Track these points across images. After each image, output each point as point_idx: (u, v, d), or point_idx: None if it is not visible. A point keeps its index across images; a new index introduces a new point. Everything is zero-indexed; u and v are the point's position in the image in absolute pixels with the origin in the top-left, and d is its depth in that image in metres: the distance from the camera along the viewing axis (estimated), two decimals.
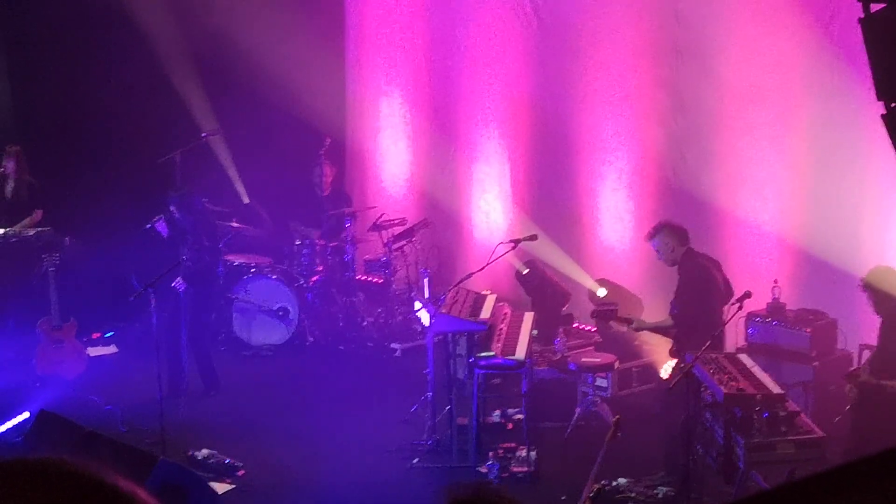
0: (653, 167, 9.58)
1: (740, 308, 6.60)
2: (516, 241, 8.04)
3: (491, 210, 10.89)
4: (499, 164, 10.79)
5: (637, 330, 8.02)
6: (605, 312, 7.75)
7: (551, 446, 7.57)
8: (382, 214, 10.47)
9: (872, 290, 6.82)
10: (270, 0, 11.22)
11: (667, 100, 9.42)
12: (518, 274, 9.25)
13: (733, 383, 6.06)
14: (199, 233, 8.75)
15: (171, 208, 8.65)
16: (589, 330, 9.38)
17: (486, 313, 7.63)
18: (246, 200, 11.30)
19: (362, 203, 11.39)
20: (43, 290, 9.18)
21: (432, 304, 7.61)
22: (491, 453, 7.27)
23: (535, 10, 10.28)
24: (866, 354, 7.32)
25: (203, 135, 10.55)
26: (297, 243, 10.46)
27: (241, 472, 7.24)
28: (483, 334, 7.39)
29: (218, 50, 10.98)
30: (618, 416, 5.99)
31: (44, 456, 1.14)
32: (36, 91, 10.96)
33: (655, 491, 6.76)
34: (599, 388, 8.17)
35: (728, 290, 7.34)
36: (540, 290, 9.14)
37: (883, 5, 3.90)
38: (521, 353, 7.28)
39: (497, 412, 8.10)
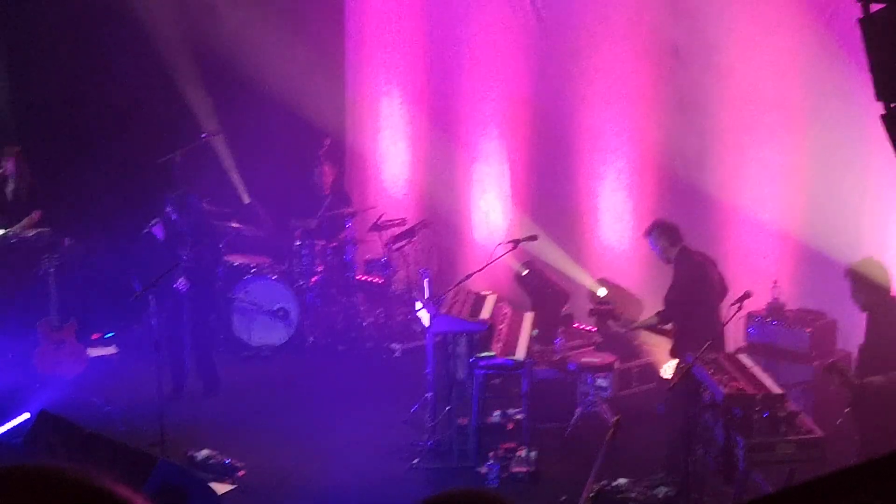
0: (652, 167, 9.58)
1: (740, 308, 6.60)
2: (516, 242, 8.05)
3: (491, 210, 10.89)
4: (498, 164, 10.79)
5: (628, 329, 8.06)
6: (602, 312, 7.77)
7: (551, 446, 7.58)
8: (382, 215, 10.47)
9: (855, 279, 6.81)
10: (270, 0, 11.22)
11: (667, 100, 9.42)
12: (517, 275, 9.25)
13: (733, 383, 6.06)
14: (199, 232, 8.76)
15: (168, 209, 8.66)
16: (589, 330, 9.38)
17: (486, 313, 7.63)
18: (246, 200, 11.30)
19: (362, 203, 11.38)
20: (43, 291, 9.17)
21: (432, 304, 7.61)
22: (491, 453, 7.27)
23: (535, 11, 10.28)
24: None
25: (203, 135, 10.55)
26: (297, 243, 10.46)
27: (241, 473, 7.25)
28: (483, 334, 7.39)
29: (219, 50, 10.98)
30: (618, 417, 5.99)
31: (43, 463, 1.14)
32: (36, 91, 10.95)
33: (655, 491, 6.76)
34: (599, 388, 8.16)
35: (723, 288, 7.36)
36: (539, 290, 9.14)
37: (882, 6, 3.90)
38: (521, 353, 7.29)
39: (497, 412, 8.10)
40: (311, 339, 10.16)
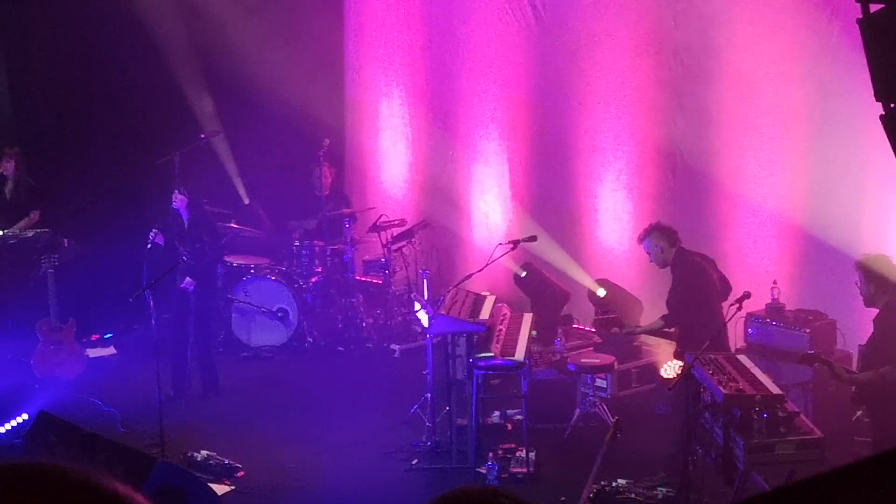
0: (652, 168, 9.58)
1: (739, 308, 6.60)
2: (516, 242, 8.05)
3: (490, 211, 10.89)
4: (498, 164, 10.79)
5: (631, 335, 8.07)
6: (607, 321, 7.77)
7: (551, 447, 7.57)
8: (382, 215, 10.47)
9: (866, 272, 6.79)
10: (270, 1, 11.22)
11: (666, 100, 9.41)
12: (516, 277, 9.24)
13: (732, 384, 6.06)
14: (199, 230, 8.78)
15: (175, 197, 8.65)
16: (588, 331, 9.38)
17: (485, 314, 7.63)
18: (246, 201, 11.31)
19: (362, 204, 11.39)
20: (42, 292, 9.17)
21: (431, 304, 7.60)
22: (490, 454, 7.26)
23: (535, 12, 10.28)
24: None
25: (202, 136, 10.54)
26: (297, 244, 10.46)
27: (240, 474, 7.24)
28: (482, 335, 7.39)
29: (218, 51, 10.99)
30: (617, 418, 5.99)
31: (42, 461, 1.13)
32: (35, 92, 10.96)
33: (655, 492, 6.75)
34: (599, 388, 8.16)
35: (725, 287, 7.35)
36: (539, 291, 9.13)
37: (882, 6, 3.90)
38: (520, 353, 7.28)
39: (496, 413, 8.10)
40: (311, 339, 10.16)
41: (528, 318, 8.04)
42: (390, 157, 11.81)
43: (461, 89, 10.99)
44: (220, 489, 6.81)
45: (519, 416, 7.69)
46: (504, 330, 7.71)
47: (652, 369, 8.49)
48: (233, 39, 11.07)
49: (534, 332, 7.99)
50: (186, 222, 8.74)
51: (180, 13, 10.96)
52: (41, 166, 10.35)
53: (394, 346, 10.07)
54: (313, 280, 10.29)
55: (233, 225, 10.33)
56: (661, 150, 9.50)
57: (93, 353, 9.60)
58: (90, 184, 10.78)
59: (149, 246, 8.70)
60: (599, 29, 9.76)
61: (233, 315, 10.18)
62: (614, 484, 6.76)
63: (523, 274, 9.22)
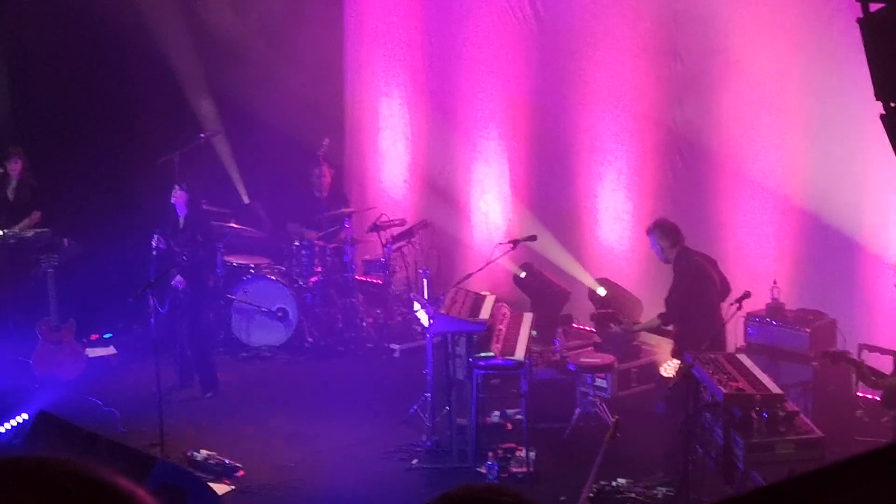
0: (652, 167, 9.58)
1: (739, 308, 6.60)
2: (515, 242, 8.05)
3: (490, 210, 10.89)
4: (498, 164, 10.79)
5: (629, 332, 8.06)
6: (605, 316, 7.77)
7: (551, 447, 7.57)
8: (381, 215, 10.46)
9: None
10: (270, 1, 11.22)
11: (665, 100, 9.41)
12: (515, 278, 9.24)
13: (732, 383, 6.06)
14: (194, 229, 8.81)
15: (175, 193, 8.67)
16: (588, 330, 9.38)
17: (485, 314, 7.63)
18: (246, 201, 11.31)
19: (361, 204, 11.39)
20: (41, 292, 9.17)
21: (431, 304, 7.60)
22: (490, 454, 7.26)
23: (535, 11, 10.27)
24: (865, 354, 7.31)
25: (201, 136, 10.54)
26: (296, 244, 10.45)
27: (240, 473, 7.24)
28: (482, 335, 7.39)
29: (217, 51, 10.99)
30: (617, 417, 5.99)
31: (45, 456, 1.14)
32: (35, 92, 10.96)
33: (655, 491, 6.75)
34: (599, 388, 8.16)
35: (725, 288, 7.35)
36: (538, 291, 9.14)
37: (882, 5, 3.91)
38: (520, 353, 7.28)
39: (496, 413, 8.09)
40: (310, 339, 10.15)
41: (528, 318, 8.05)
42: (390, 156, 11.81)
43: (461, 89, 10.99)
44: (220, 489, 6.81)
45: (519, 416, 7.69)
46: (504, 330, 7.71)
47: (652, 369, 8.48)
48: (233, 39, 11.07)
49: (534, 332, 8.00)
50: (182, 219, 8.78)
51: (180, 13, 10.96)
52: (41, 166, 10.34)
53: (394, 346, 10.07)
54: (313, 280, 10.29)
55: (233, 225, 10.32)
56: (660, 150, 9.50)
57: (93, 352, 9.59)
58: (90, 183, 10.77)
59: (154, 252, 8.73)
60: (599, 29, 9.76)
61: (232, 315, 10.18)
62: (614, 483, 6.77)
63: (523, 274, 9.22)
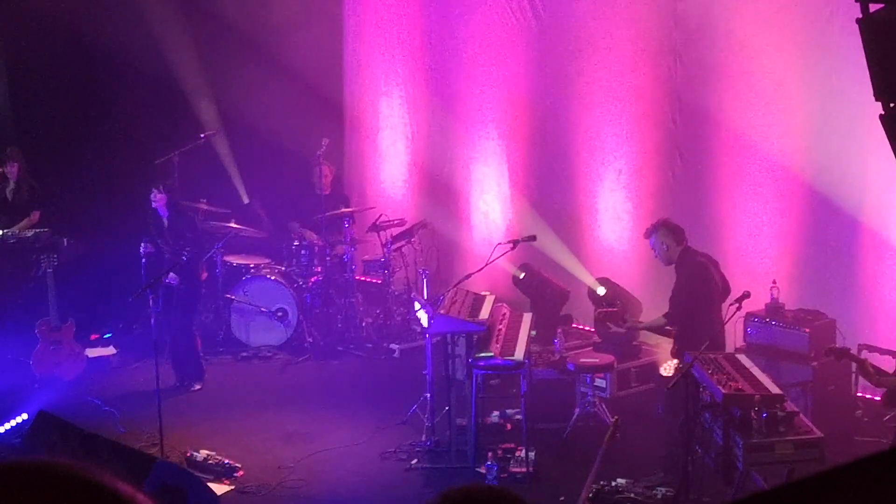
0: (651, 167, 9.58)
1: (739, 308, 6.60)
2: (515, 242, 8.04)
3: (490, 210, 10.89)
4: (497, 164, 10.79)
5: (631, 330, 8.04)
6: (608, 314, 7.76)
7: (550, 447, 7.57)
8: (381, 215, 10.46)
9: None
10: (269, 1, 11.21)
11: (665, 100, 9.42)
12: (515, 279, 9.24)
13: (732, 384, 6.06)
14: (181, 227, 8.85)
15: (154, 196, 8.74)
16: (587, 330, 9.38)
17: (484, 314, 7.63)
18: (246, 201, 11.31)
19: (361, 204, 11.38)
20: (41, 292, 9.17)
21: (431, 304, 7.60)
22: (490, 454, 7.26)
23: (534, 11, 10.27)
24: (865, 354, 7.30)
25: (201, 136, 10.54)
26: (296, 244, 10.45)
27: (240, 473, 7.24)
28: (482, 335, 7.39)
29: (218, 51, 10.99)
30: (616, 417, 5.99)
31: (44, 458, 1.14)
32: (35, 93, 10.95)
33: (654, 491, 6.75)
34: (598, 388, 8.16)
35: (726, 289, 7.35)
36: (538, 291, 9.14)
37: (881, 6, 3.91)
38: (519, 353, 7.28)
39: (496, 413, 8.09)
40: (310, 339, 10.15)
41: (527, 318, 8.05)
42: (390, 156, 11.81)
43: (461, 89, 10.99)
44: (219, 489, 6.81)
45: (518, 416, 7.69)
46: (504, 330, 7.71)
47: (652, 369, 8.48)
48: (233, 39, 11.07)
49: (533, 332, 7.99)
50: (166, 220, 8.83)
51: (180, 13, 10.96)
52: (41, 166, 10.35)
53: (393, 346, 10.07)
54: (313, 280, 10.29)
55: (233, 225, 10.32)
56: (660, 150, 9.50)
57: (93, 353, 9.60)
58: (90, 183, 10.78)
59: (143, 260, 8.80)
60: (599, 29, 9.76)
61: (232, 315, 10.18)
62: (614, 484, 6.76)
63: (521, 275, 9.22)
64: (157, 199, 8.80)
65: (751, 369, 6.39)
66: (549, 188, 10.35)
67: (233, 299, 10.12)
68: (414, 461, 7.44)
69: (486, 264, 7.64)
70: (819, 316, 7.82)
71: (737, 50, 8.81)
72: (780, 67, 8.58)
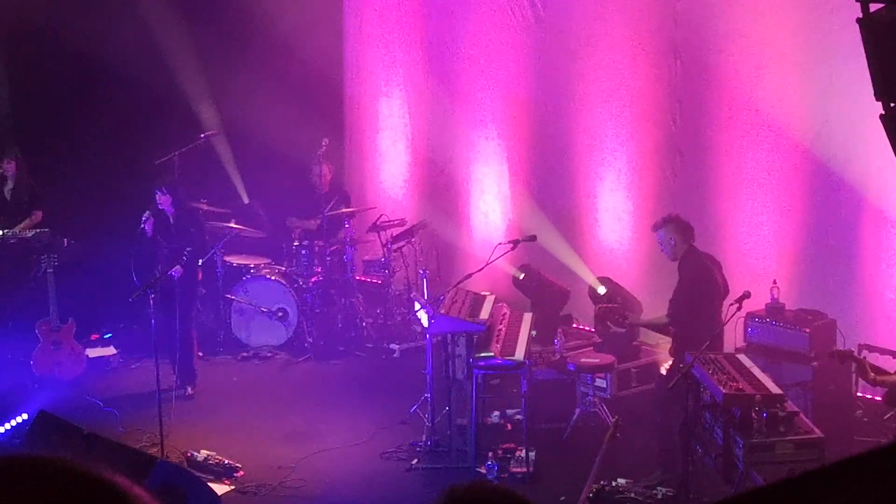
0: (651, 167, 9.58)
1: (739, 308, 6.59)
2: (515, 242, 8.04)
3: (490, 210, 10.89)
4: (497, 164, 10.79)
5: (632, 326, 8.01)
6: (609, 311, 7.74)
7: (550, 447, 7.57)
8: (381, 215, 10.46)
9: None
10: (269, 1, 11.21)
11: (665, 100, 9.42)
12: (515, 280, 9.24)
13: (732, 384, 6.06)
14: (186, 224, 8.81)
15: (157, 196, 8.71)
16: (588, 330, 9.37)
17: (485, 314, 7.63)
18: (246, 201, 11.31)
19: (361, 204, 11.38)
20: (41, 292, 9.17)
21: (431, 304, 7.60)
22: (490, 454, 7.27)
23: (534, 11, 10.27)
24: (865, 354, 7.30)
25: (201, 136, 10.54)
26: (296, 244, 10.45)
27: (240, 474, 7.24)
28: (482, 335, 7.39)
29: (218, 51, 10.99)
30: (617, 417, 6.00)
31: (43, 454, 1.14)
32: (35, 92, 10.96)
33: (654, 491, 6.75)
34: (598, 388, 8.16)
35: (725, 290, 7.34)
36: (538, 291, 9.13)
37: (882, 5, 3.90)
38: (520, 353, 7.28)
39: (496, 413, 8.10)
40: (310, 339, 10.15)
41: (527, 318, 8.05)
42: (390, 157, 11.81)
43: (461, 89, 10.99)
44: (220, 489, 6.80)
45: (519, 416, 7.69)
46: (504, 330, 7.71)
47: (652, 369, 8.48)
48: (233, 40, 11.07)
49: (534, 332, 7.99)
50: (172, 218, 8.79)
51: (180, 13, 10.96)
52: (41, 166, 10.35)
53: (394, 346, 10.07)
54: (313, 280, 10.29)
55: (233, 225, 10.33)
56: (660, 150, 9.50)
57: (93, 353, 9.60)
58: (90, 183, 10.78)
59: (142, 224, 8.65)
60: (599, 28, 9.76)
61: (232, 315, 10.18)
62: (614, 484, 6.76)
63: (521, 276, 9.22)
64: (162, 200, 8.76)
65: (751, 369, 6.39)
66: (550, 188, 10.35)
67: (233, 299, 10.12)
68: (414, 461, 7.44)
69: (487, 264, 7.63)
70: (819, 316, 7.81)
71: (737, 49, 8.81)
72: (780, 67, 8.58)
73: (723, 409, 5.97)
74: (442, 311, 7.45)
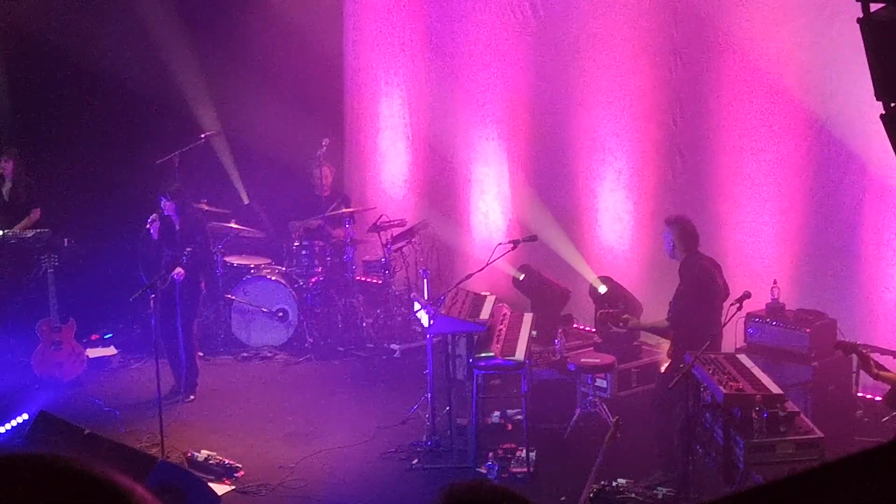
0: (651, 167, 9.58)
1: (739, 308, 6.59)
2: (516, 242, 8.04)
3: (490, 210, 10.89)
4: (497, 164, 10.79)
5: (633, 329, 8.02)
6: (610, 315, 7.74)
7: (551, 447, 7.57)
8: (382, 215, 10.46)
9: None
10: (270, 1, 11.22)
11: (665, 100, 9.41)
12: (515, 280, 9.24)
13: (733, 384, 6.06)
14: (192, 230, 8.77)
15: (163, 203, 8.65)
16: (588, 330, 9.37)
17: (485, 314, 7.63)
18: (246, 201, 11.31)
19: (362, 204, 11.38)
20: (42, 292, 9.17)
21: (431, 304, 7.60)
22: (490, 454, 7.27)
23: (534, 11, 10.27)
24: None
25: (201, 136, 10.55)
26: (297, 244, 10.45)
27: (240, 474, 7.24)
28: (482, 335, 7.39)
29: (218, 51, 10.99)
30: (617, 418, 5.99)
31: (44, 453, 1.14)
32: (35, 92, 10.96)
33: (655, 491, 6.75)
34: (599, 388, 8.16)
35: (727, 294, 7.33)
36: (538, 291, 9.14)
37: (882, 5, 3.91)
38: (520, 353, 7.28)
39: (496, 413, 8.10)
40: (311, 339, 10.16)
41: (528, 318, 8.04)
42: (390, 157, 11.81)
43: (461, 89, 10.99)
44: (220, 489, 6.81)
45: (519, 416, 7.69)
46: (504, 330, 7.71)
47: (652, 369, 8.48)
48: (233, 39, 11.07)
49: (534, 332, 8.00)
50: (178, 225, 8.72)
51: (180, 13, 10.96)
52: (41, 166, 10.36)
53: (394, 346, 10.07)
54: (313, 280, 10.29)
55: (233, 225, 10.33)
56: (660, 150, 9.50)
57: (93, 353, 9.60)
58: (90, 184, 10.79)
59: (147, 226, 8.57)
60: (599, 29, 9.76)
61: (233, 315, 10.18)
62: (614, 484, 6.76)
63: (521, 277, 9.22)
64: (167, 206, 8.67)
65: (751, 369, 6.39)
66: (550, 188, 10.35)
67: (233, 300, 10.12)
68: (414, 461, 7.44)
69: (487, 264, 7.63)
70: (819, 316, 7.81)
71: (737, 49, 8.81)
72: (781, 67, 8.58)
73: (723, 409, 5.98)
74: (442, 312, 7.45)
